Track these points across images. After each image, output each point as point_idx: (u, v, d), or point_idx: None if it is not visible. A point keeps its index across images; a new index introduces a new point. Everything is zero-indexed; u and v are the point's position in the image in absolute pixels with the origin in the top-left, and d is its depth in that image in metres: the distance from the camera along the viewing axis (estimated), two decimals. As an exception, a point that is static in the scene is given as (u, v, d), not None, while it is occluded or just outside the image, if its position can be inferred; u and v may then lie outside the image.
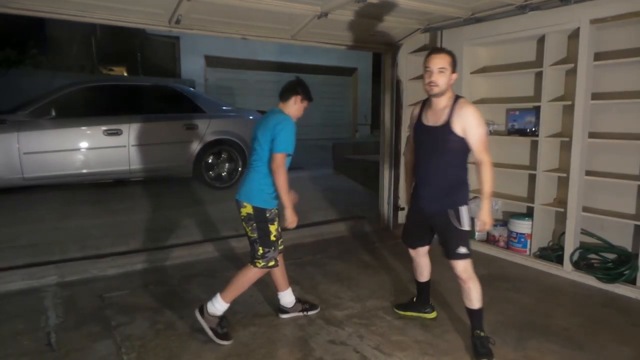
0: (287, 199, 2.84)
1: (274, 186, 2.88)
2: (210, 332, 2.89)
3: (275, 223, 2.95)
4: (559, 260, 4.10)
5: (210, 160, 6.79)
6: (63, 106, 5.96)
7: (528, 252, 4.43)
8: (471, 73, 4.81)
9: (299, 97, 2.97)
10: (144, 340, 2.92)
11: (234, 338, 2.94)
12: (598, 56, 3.82)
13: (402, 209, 5.68)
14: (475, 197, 4.86)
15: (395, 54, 5.32)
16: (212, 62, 13.81)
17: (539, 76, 4.37)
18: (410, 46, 5.39)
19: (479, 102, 4.89)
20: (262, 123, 2.97)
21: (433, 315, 3.26)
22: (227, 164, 6.97)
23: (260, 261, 2.91)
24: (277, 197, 2.92)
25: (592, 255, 4.06)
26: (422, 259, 3.14)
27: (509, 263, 4.39)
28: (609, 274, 3.78)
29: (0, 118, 5.65)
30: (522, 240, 4.45)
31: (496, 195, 4.86)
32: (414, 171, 3.03)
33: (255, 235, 2.93)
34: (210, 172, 6.80)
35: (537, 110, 4.33)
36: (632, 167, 3.89)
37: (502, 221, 4.80)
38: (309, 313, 3.30)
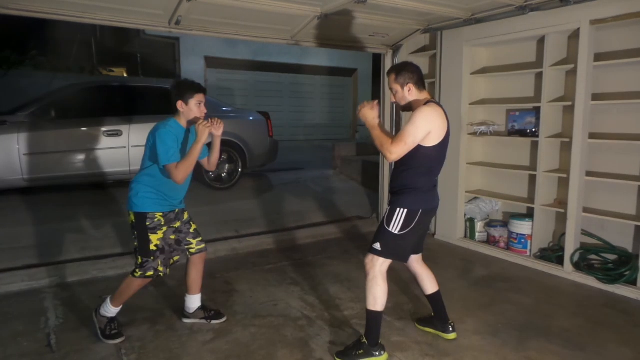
0: (198, 143, 2.93)
1: (152, 189, 2.83)
2: (98, 332, 2.91)
3: (159, 232, 2.82)
4: (560, 261, 4.10)
5: (210, 161, 6.78)
6: (63, 107, 5.97)
7: (528, 253, 4.43)
8: (471, 74, 4.81)
9: (180, 102, 2.89)
10: (143, 342, 2.92)
11: (234, 339, 2.94)
12: (598, 57, 3.82)
13: (402, 209, 5.67)
14: (475, 198, 4.88)
15: (395, 54, 5.32)
16: (212, 63, 13.82)
17: (539, 77, 4.37)
18: (410, 47, 5.40)
19: (479, 102, 4.90)
20: None
21: (452, 336, 2.95)
22: (227, 165, 6.97)
23: (138, 271, 2.84)
24: (161, 201, 2.85)
25: (593, 256, 4.06)
26: (419, 267, 3.01)
27: (510, 264, 4.39)
28: (609, 275, 3.78)
29: (0, 119, 5.65)
30: (523, 241, 4.44)
31: (496, 196, 4.86)
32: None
33: (135, 243, 2.86)
34: (210, 173, 6.79)
35: (537, 110, 4.33)
36: (632, 168, 3.89)
37: (503, 222, 4.80)
38: (213, 322, 3.16)
